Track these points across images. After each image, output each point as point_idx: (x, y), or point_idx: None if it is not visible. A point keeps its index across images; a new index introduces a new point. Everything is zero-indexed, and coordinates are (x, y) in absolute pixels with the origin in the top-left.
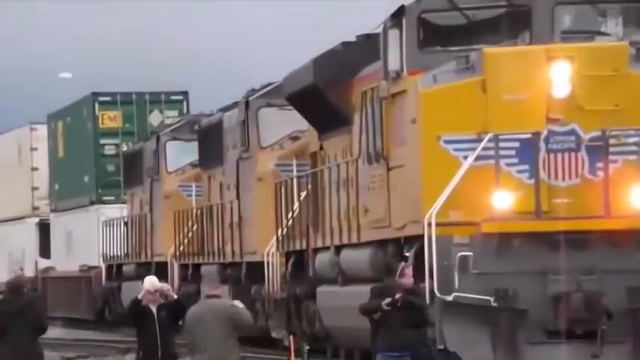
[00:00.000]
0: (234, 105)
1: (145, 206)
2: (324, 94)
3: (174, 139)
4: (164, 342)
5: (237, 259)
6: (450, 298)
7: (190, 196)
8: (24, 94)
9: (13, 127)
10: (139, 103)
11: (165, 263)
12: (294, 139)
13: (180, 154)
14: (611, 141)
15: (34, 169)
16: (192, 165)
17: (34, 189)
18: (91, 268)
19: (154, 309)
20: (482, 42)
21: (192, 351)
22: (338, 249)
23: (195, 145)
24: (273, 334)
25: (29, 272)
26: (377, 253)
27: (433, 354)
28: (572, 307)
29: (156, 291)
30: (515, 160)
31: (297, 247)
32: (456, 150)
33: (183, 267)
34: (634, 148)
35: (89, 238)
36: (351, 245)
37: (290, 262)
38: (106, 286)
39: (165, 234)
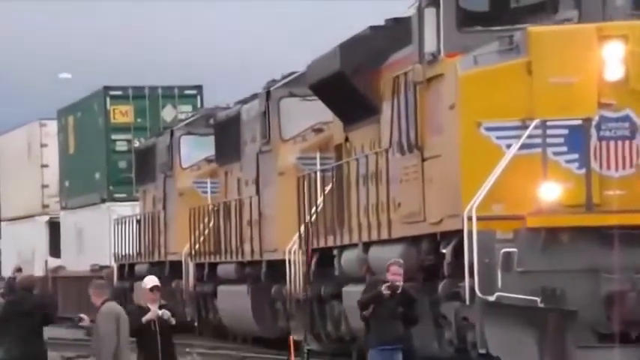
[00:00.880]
0: (253, 97)
1: (158, 203)
2: (350, 82)
3: (189, 133)
4: (164, 344)
5: (257, 257)
6: (492, 298)
7: (205, 192)
8: (35, 91)
9: (23, 123)
10: (152, 97)
11: (180, 262)
12: (318, 131)
13: (195, 149)
14: None
15: (43, 166)
16: (208, 160)
17: (43, 186)
18: (102, 267)
19: (154, 309)
20: (527, 21)
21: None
22: (366, 246)
23: (210, 139)
24: (294, 337)
25: (39, 272)
26: (410, 250)
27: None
28: (626, 308)
29: (158, 290)
30: (564, 149)
31: (322, 244)
32: (498, 138)
33: (199, 266)
34: None
35: (100, 236)
36: (380, 242)
37: (313, 261)
38: (118, 287)
39: (180, 232)
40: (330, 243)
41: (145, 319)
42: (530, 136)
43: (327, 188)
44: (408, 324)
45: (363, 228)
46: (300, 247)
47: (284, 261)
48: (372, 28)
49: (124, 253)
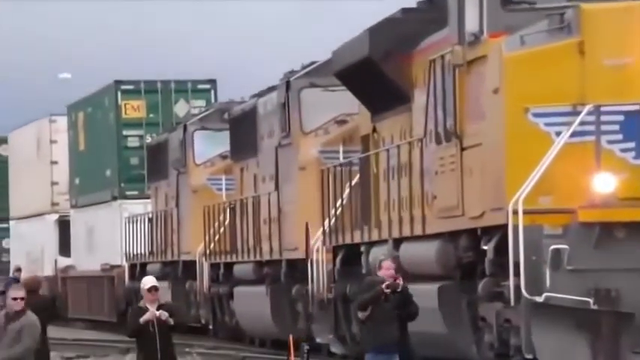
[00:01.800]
0: (270, 90)
1: (171, 201)
2: (380, 68)
3: (203, 128)
4: (163, 344)
5: (276, 256)
6: (540, 299)
7: (220, 189)
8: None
9: (32, 120)
10: (164, 91)
11: (194, 262)
12: (341, 122)
13: (209, 144)
14: None
15: (53, 162)
16: (222, 156)
17: (53, 184)
18: (113, 267)
19: (153, 309)
20: None
21: None
22: (397, 242)
23: (225, 134)
24: (318, 339)
25: (48, 271)
26: (446, 247)
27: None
28: None
29: (156, 290)
30: (619, 137)
31: (347, 240)
32: (547, 125)
33: (214, 266)
34: None
35: (111, 235)
36: (413, 238)
37: (338, 258)
38: (129, 287)
39: (194, 231)
40: (357, 239)
41: (142, 319)
42: (582, 123)
43: (354, 182)
44: (409, 320)
45: (394, 223)
46: (323, 244)
47: (305, 260)
48: (404, 10)
49: (135, 253)
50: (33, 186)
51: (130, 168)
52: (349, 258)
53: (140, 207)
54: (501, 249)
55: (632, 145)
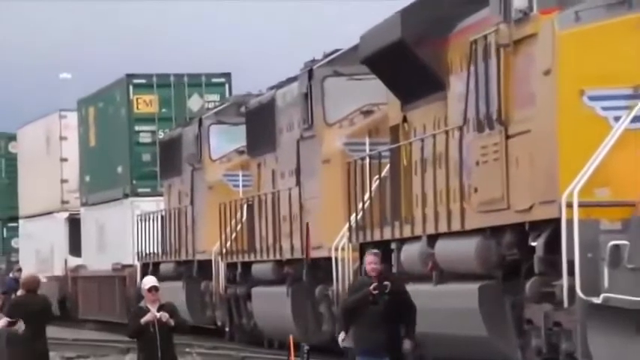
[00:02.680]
0: (290, 81)
1: (185, 198)
2: (413, 52)
3: (219, 122)
4: (164, 344)
5: (298, 255)
6: (597, 300)
7: (237, 186)
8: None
9: (41, 116)
10: (177, 85)
11: (209, 262)
12: (367, 113)
13: (226, 139)
14: None
15: (63, 159)
16: (239, 151)
17: (63, 181)
18: (124, 266)
19: (153, 310)
20: None
21: None
22: (431, 239)
23: (242, 129)
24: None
25: (58, 271)
26: (488, 244)
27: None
28: None
29: (157, 290)
30: None
31: (377, 237)
32: (604, 109)
33: (230, 266)
34: None
35: (123, 234)
36: (450, 234)
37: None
38: (141, 287)
39: (209, 229)
40: (387, 236)
41: (142, 320)
42: None
43: (383, 175)
44: (403, 322)
45: (428, 219)
46: (349, 241)
47: (329, 259)
48: None
49: (148, 252)
50: (42, 184)
51: (142, 164)
52: None
53: (152, 205)
54: (552, 245)
55: None
